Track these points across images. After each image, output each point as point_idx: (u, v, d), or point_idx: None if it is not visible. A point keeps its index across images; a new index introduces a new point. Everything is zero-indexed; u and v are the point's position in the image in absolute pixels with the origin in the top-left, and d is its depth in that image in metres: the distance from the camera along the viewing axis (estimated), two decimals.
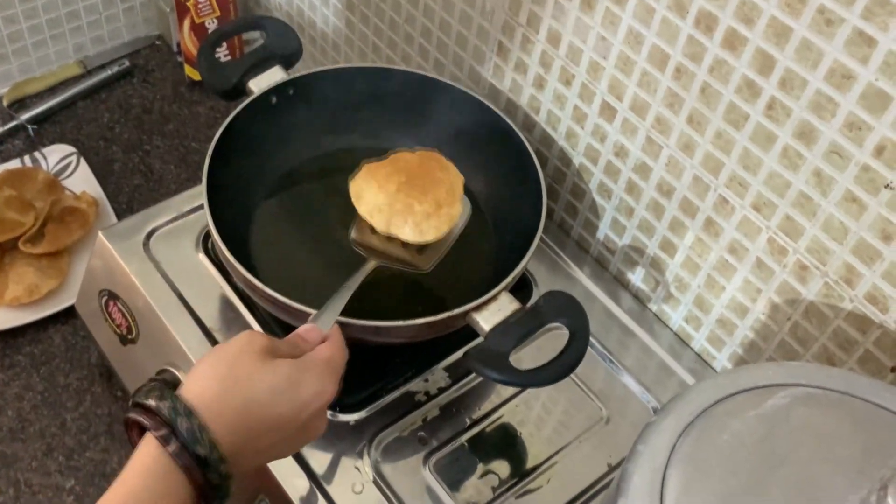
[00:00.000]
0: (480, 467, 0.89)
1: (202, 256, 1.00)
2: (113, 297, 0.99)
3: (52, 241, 1.16)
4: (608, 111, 0.95)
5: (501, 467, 0.89)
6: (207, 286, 0.98)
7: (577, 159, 1.02)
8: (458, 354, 0.96)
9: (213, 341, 0.93)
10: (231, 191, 0.95)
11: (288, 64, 1.04)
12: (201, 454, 0.65)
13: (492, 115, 1.01)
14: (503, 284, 0.86)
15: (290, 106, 1.02)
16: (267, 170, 1.02)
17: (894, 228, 0.75)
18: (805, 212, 0.81)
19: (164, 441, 0.65)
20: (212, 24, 1.39)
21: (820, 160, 0.77)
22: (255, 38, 1.44)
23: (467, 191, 1.02)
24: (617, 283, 1.05)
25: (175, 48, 1.46)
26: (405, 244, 0.89)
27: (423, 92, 1.04)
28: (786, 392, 0.67)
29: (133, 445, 0.68)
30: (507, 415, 0.93)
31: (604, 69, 0.93)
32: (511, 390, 0.94)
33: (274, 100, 1.01)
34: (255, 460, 0.71)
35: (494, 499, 0.87)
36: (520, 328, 0.83)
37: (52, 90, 1.39)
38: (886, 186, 0.73)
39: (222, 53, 1.40)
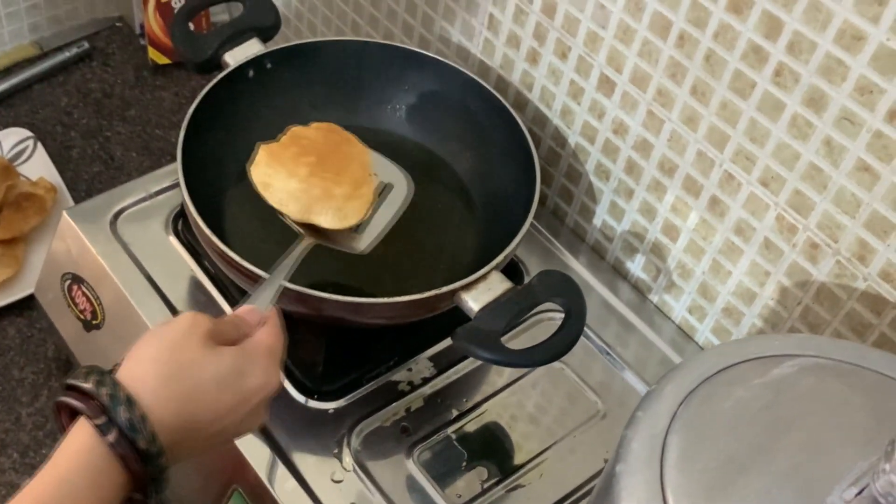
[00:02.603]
0: (468, 460, 0.92)
1: (172, 238, 1.03)
2: (77, 280, 1.02)
3: (7, 228, 1.18)
4: (607, 85, 0.99)
5: (490, 461, 0.92)
6: (178, 269, 1.01)
7: (573, 139, 1.06)
8: (444, 344, 0.99)
9: None
10: (205, 168, 0.98)
11: (266, 37, 1.08)
12: (141, 446, 0.66)
13: (481, 90, 1.05)
14: (494, 263, 0.89)
15: (267, 80, 1.06)
16: (243, 146, 1.05)
17: None
18: (815, 184, 0.85)
19: (102, 430, 0.66)
20: (178, 3, 1.42)
21: (830, 128, 0.82)
22: (224, 19, 1.48)
23: (454, 172, 1.06)
24: (615, 273, 1.09)
25: (138, 30, 1.50)
26: None
27: (408, 67, 1.09)
28: (793, 362, 0.70)
29: (62, 430, 0.69)
30: (496, 407, 0.96)
31: (602, 39, 0.97)
32: (501, 382, 0.97)
33: (251, 73, 1.05)
34: (193, 452, 0.72)
35: (483, 493, 0.90)
36: (512, 308, 0.87)
37: (6, 72, 1.42)
38: None
39: None
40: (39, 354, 1.13)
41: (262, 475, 0.87)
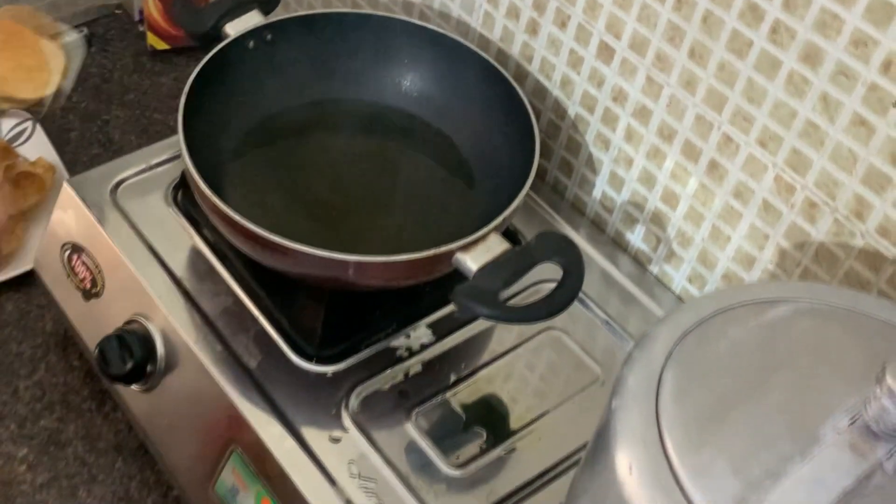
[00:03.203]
0: (466, 424, 0.94)
1: (172, 209, 1.06)
2: (77, 249, 1.04)
3: (8, 206, 1.21)
4: (606, 52, 1.02)
5: (489, 424, 0.94)
6: (177, 238, 1.03)
7: (573, 109, 1.08)
8: (443, 312, 1.01)
9: (184, 291, 0.99)
10: (204, 137, 1.01)
11: (266, 9, 1.11)
12: None
13: (481, 62, 1.08)
14: (493, 224, 0.91)
15: (267, 51, 1.09)
16: (242, 118, 1.08)
17: None
18: (812, 142, 0.87)
19: None
20: None
21: (826, 83, 0.84)
22: None
23: (453, 144, 1.11)
24: (615, 246, 1.11)
25: (137, 16, 1.53)
26: None
27: (408, 40, 1.11)
28: (789, 306, 0.72)
29: None
30: (495, 373, 0.98)
31: (602, 6, 1.00)
32: (500, 349, 1.00)
33: (251, 44, 1.08)
34: None
35: (481, 454, 0.92)
36: (510, 267, 0.89)
37: None
38: (895, 104, 0.80)
39: None
40: (37, 329, 1.16)
41: (261, 435, 0.89)
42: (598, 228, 1.13)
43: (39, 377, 1.12)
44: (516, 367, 0.99)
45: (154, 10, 1.47)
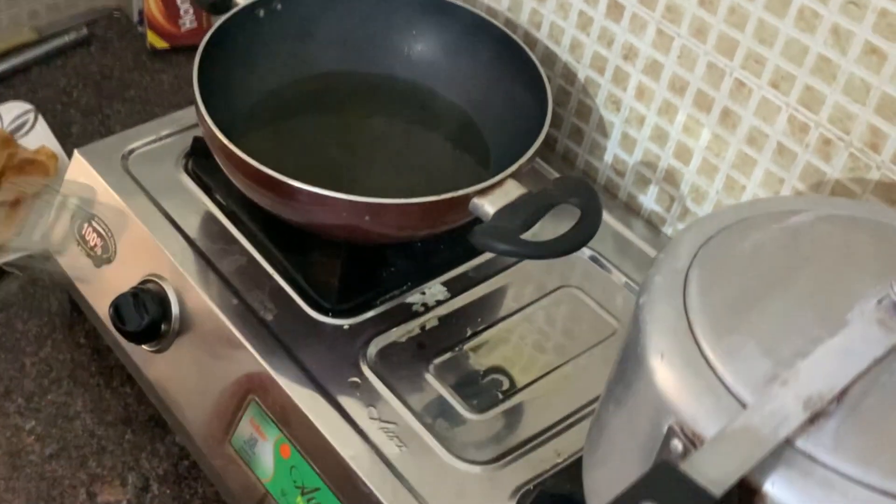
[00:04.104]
0: (484, 373, 0.96)
1: (184, 176, 1.09)
2: (88, 217, 1.07)
3: (10, 190, 1.24)
4: (615, 9, 1.06)
5: (506, 374, 0.97)
6: (190, 203, 1.06)
7: (583, 72, 1.12)
8: (458, 270, 1.04)
9: (198, 250, 1.01)
10: (215, 107, 1.03)
11: None
12: None
13: (490, 29, 1.12)
14: (510, 170, 0.95)
15: (276, 20, 1.13)
16: (252, 87, 1.12)
17: None
18: (825, 76, 0.91)
19: None
20: None
21: (837, 15, 0.88)
22: None
23: (464, 114, 1.14)
24: (628, 210, 1.14)
25: (136, 17, 1.57)
26: None
27: (416, 11, 1.16)
28: (810, 213, 0.75)
29: None
30: (512, 326, 1.01)
31: None
32: (516, 304, 1.02)
33: (261, 13, 1.12)
34: None
35: (500, 402, 0.94)
36: (528, 209, 0.92)
37: (5, 55, 1.49)
38: None
39: (188, 19, 1.51)
40: (43, 309, 1.18)
41: (280, 382, 0.91)
42: (610, 194, 1.16)
43: (45, 354, 1.14)
44: (533, 320, 1.01)
45: (154, 9, 1.51)
